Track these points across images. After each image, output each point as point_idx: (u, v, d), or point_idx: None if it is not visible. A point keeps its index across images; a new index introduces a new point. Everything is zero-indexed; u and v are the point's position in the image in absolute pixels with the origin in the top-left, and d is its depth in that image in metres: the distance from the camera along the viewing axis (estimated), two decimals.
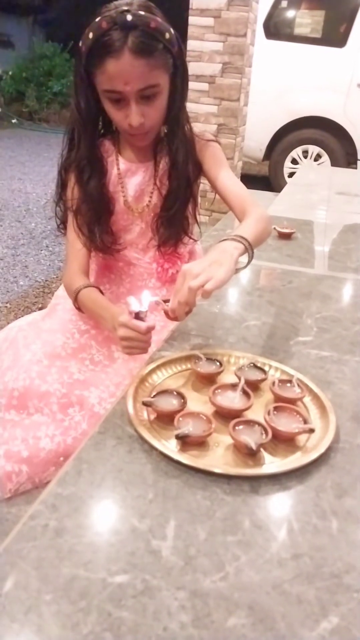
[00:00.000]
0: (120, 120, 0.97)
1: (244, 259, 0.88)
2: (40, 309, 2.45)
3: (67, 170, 1.08)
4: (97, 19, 0.88)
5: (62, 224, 1.14)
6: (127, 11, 0.87)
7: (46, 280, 2.88)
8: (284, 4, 4.75)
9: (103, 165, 1.08)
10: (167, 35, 0.91)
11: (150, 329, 0.83)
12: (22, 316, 1.26)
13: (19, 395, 1.00)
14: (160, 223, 1.10)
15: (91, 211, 1.07)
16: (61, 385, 1.00)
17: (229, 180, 1.09)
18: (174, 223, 1.10)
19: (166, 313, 0.86)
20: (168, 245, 1.13)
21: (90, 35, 0.88)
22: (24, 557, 0.51)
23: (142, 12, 0.88)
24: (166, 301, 0.86)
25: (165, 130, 1.07)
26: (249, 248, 0.88)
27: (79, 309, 1.06)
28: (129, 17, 0.86)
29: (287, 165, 4.93)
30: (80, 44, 0.91)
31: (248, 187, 1.12)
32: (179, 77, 0.99)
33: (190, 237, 1.17)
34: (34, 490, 0.94)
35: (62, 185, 1.10)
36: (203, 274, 0.78)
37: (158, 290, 1.18)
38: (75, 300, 1.04)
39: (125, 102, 0.94)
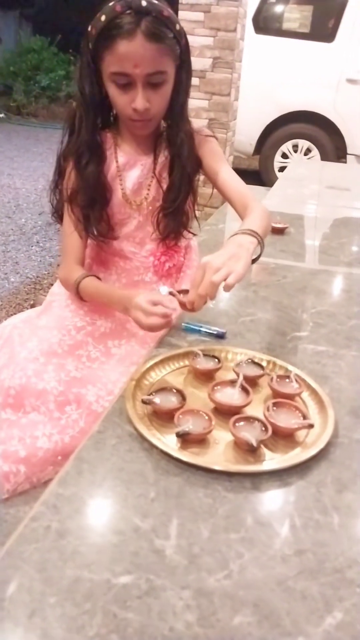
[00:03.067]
0: (125, 106, 0.97)
1: (256, 251, 0.91)
2: (32, 305, 2.43)
3: (66, 158, 1.08)
4: (110, 3, 0.90)
5: (57, 212, 1.14)
6: None
7: (37, 277, 2.86)
8: None
9: (102, 152, 1.08)
10: (177, 27, 0.94)
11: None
12: (14, 313, 1.25)
13: (15, 394, 0.99)
14: (162, 217, 1.11)
15: (87, 196, 1.06)
16: (58, 383, 0.99)
17: (229, 176, 1.11)
18: (175, 217, 1.11)
19: (182, 304, 0.86)
20: (169, 239, 1.14)
21: (103, 18, 0.90)
22: (27, 559, 0.50)
23: (155, 0, 0.90)
24: (181, 292, 0.86)
25: (165, 125, 1.08)
26: (261, 241, 0.90)
27: (81, 299, 1.06)
28: (143, 3, 0.89)
29: (278, 160, 4.92)
30: (89, 27, 0.93)
31: None
32: (184, 71, 1.01)
33: (190, 232, 1.18)
34: (32, 490, 0.93)
35: (59, 173, 1.10)
36: (224, 267, 0.79)
37: (155, 284, 1.17)
38: (77, 291, 1.04)
39: (131, 86, 0.94)
